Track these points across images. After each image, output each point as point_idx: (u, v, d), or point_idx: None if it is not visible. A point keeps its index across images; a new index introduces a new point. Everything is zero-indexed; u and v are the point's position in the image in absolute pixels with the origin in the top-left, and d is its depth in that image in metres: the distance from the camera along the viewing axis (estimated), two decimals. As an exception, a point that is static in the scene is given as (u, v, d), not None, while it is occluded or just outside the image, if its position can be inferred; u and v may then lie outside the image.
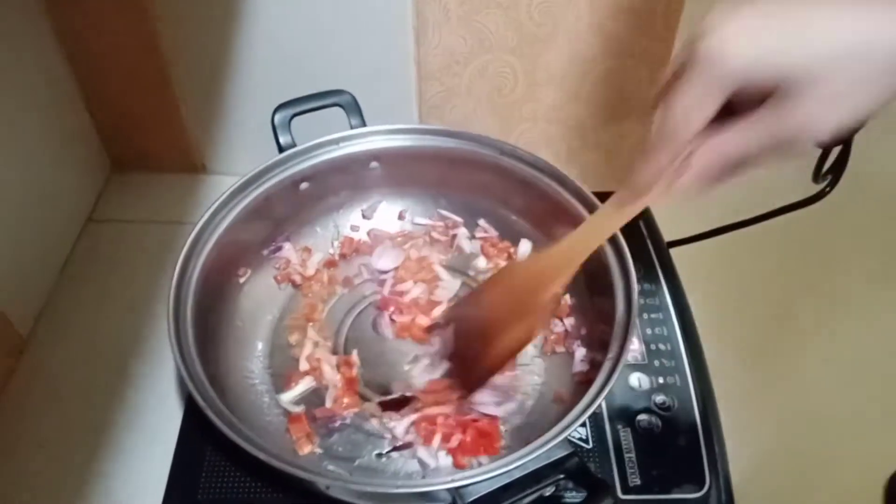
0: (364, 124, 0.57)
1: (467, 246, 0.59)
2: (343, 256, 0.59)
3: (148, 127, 0.69)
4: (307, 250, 0.58)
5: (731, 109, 0.33)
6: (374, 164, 0.58)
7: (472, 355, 0.47)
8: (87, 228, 0.67)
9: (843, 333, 0.75)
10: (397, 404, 0.49)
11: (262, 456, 0.38)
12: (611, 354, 0.44)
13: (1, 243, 0.55)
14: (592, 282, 0.50)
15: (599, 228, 0.43)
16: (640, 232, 0.63)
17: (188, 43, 0.62)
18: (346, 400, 0.49)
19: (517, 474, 0.39)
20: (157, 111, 0.67)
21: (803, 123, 0.31)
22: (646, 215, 0.64)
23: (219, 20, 0.60)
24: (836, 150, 0.56)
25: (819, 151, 0.57)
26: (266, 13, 0.60)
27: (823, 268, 0.72)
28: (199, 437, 0.49)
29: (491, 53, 0.63)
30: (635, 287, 0.46)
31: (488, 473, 0.38)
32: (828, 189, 0.58)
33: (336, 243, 0.60)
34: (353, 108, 0.57)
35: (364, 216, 0.61)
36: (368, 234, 0.60)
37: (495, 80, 0.65)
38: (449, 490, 0.38)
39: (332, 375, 0.50)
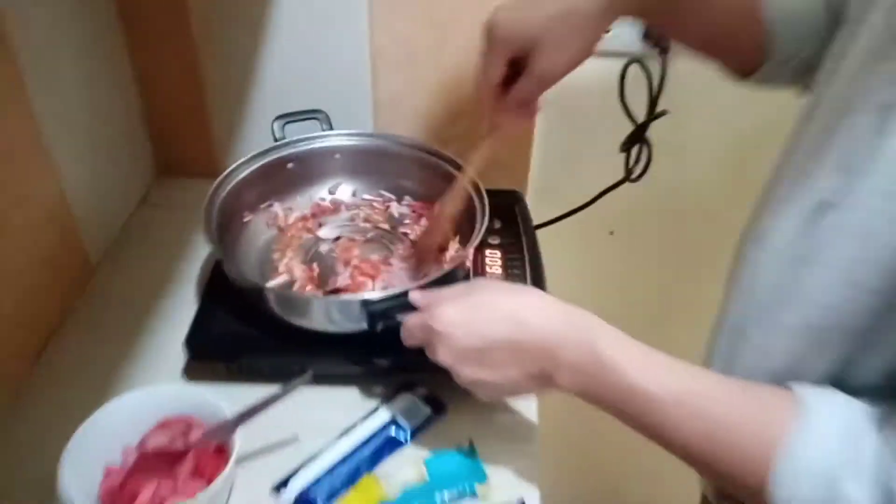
0: (332, 129, 0.89)
1: (396, 211, 0.90)
2: (313, 216, 0.89)
3: (186, 137, 1.01)
4: (289, 209, 0.88)
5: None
6: (337, 155, 0.89)
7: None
8: (139, 209, 0.98)
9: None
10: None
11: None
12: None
13: (82, 195, 0.85)
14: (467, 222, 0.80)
15: (466, 173, 0.73)
16: (515, 217, 0.92)
17: (220, 78, 0.95)
18: (308, 287, 0.78)
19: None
20: (193, 125, 0.99)
21: (545, 67, 0.58)
22: (520, 203, 0.94)
23: (240, 62, 0.93)
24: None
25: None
26: (273, 60, 0.93)
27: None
28: (220, 290, 0.77)
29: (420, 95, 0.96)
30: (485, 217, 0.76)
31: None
32: (636, 177, 0.90)
33: (308, 207, 0.90)
34: (326, 120, 0.89)
35: (329, 191, 0.91)
36: (330, 202, 0.91)
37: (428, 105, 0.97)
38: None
39: (299, 273, 0.79)
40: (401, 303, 0.65)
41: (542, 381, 0.55)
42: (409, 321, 0.61)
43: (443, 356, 0.57)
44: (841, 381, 0.47)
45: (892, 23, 0.45)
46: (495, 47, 0.60)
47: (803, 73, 0.62)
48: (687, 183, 0.99)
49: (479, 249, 0.82)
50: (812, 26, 0.60)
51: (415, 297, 0.62)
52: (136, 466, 0.63)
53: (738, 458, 0.46)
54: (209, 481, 0.59)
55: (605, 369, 0.50)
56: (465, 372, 0.57)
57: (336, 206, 0.90)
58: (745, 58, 0.64)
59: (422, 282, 0.67)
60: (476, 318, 0.56)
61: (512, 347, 0.54)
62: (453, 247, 0.80)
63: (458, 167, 0.81)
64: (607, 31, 0.65)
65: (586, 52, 0.59)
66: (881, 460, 0.40)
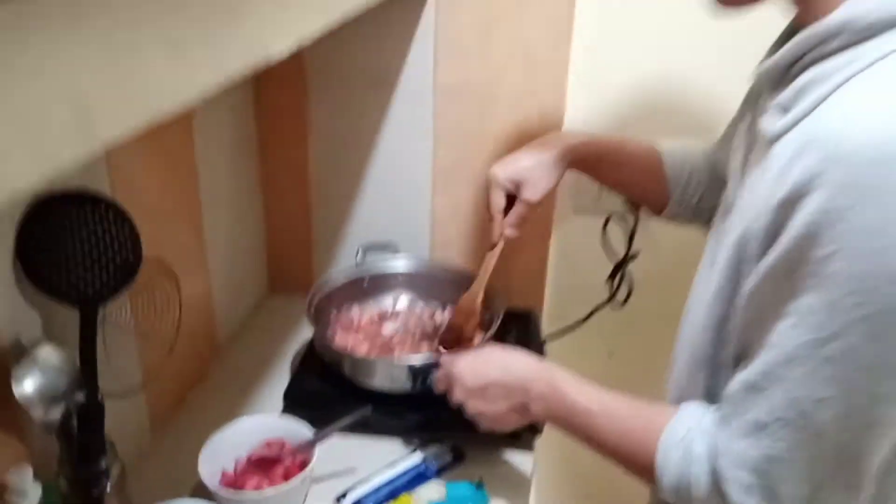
0: (397, 252, 1.23)
1: (438, 318, 1.21)
2: (380, 318, 1.21)
3: (293, 260, 1.37)
4: (363, 311, 1.21)
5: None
6: (401, 276, 1.22)
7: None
8: (254, 312, 1.33)
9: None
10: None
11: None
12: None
13: (219, 294, 1.20)
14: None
15: (486, 268, 1.03)
16: (529, 331, 1.21)
17: (323, 218, 1.32)
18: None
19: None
20: (300, 252, 1.36)
21: (528, 196, 0.91)
22: (534, 321, 1.23)
23: (340, 206, 1.31)
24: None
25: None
26: (363, 205, 1.30)
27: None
28: (308, 362, 1.08)
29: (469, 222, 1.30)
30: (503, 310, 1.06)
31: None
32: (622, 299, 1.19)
33: (377, 311, 1.22)
34: (395, 248, 1.23)
35: (393, 300, 1.24)
36: (391, 311, 1.23)
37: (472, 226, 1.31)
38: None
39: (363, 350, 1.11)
40: (433, 364, 0.95)
41: (523, 411, 0.82)
42: (439, 372, 0.91)
43: (457, 394, 0.86)
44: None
45: (727, 197, 0.73)
46: (497, 187, 0.94)
47: (700, 214, 0.92)
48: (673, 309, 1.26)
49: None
50: (699, 181, 0.92)
51: (443, 358, 0.92)
52: (245, 469, 0.92)
53: (638, 445, 0.69)
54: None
55: (557, 394, 0.77)
56: (471, 405, 0.85)
57: (396, 313, 1.23)
58: (656, 200, 0.95)
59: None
60: (479, 366, 0.85)
61: (502, 385, 0.82)
62: (478, 336, 1.10)
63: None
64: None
65: (552, 185, 0.93)
66: (712, 425, 0.64)
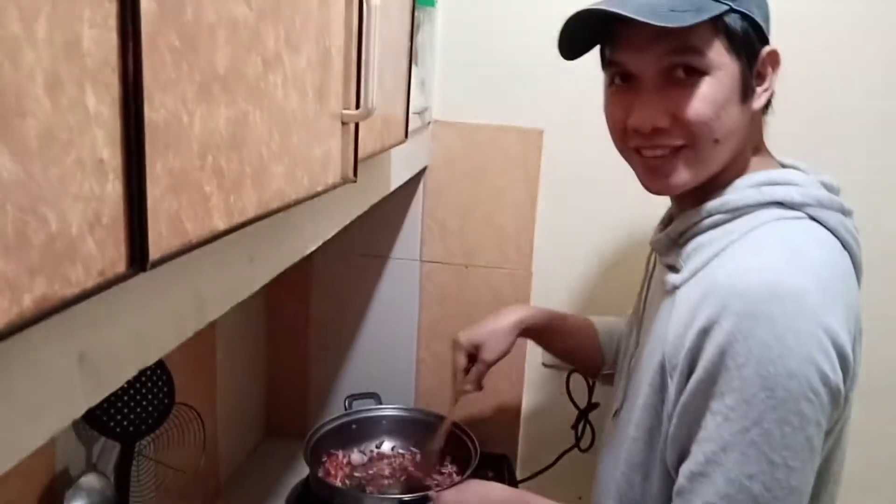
0: (381, 403, 1.39)
1: (419, 458, 1.35)
2: (368, 462, 1.35)
3: (288, 408, 1.52)
4: (348, 454, 1.35)
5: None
6: (384, 422, 1.37)
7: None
8: (251, 456, 1.46)
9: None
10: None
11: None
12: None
13: (223, 440, 1.34)
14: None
15: (446, 423, 1.19)
16: (504, 472, 1.35)
17: (317, 375, 1.49)
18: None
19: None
20: (295, 403, 1.51)
21: (486, 358, 1.09)
22: (509, 464, 1.38)
23: (332, 364, 1.48)
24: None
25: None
26: (350, 365, 1.47)
27: None
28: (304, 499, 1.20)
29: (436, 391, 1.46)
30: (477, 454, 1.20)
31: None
32: (585, 449, 1.34)
33: (365, 456, 1.36)
34: (378, 398, 1.39)
35: (376, 445, 1.38)
36: (376, 453, 1.37)
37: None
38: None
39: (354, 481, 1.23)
40: (420, 499, 1.08)
41: None
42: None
43: None
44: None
45: (630, 344, 0.93)
46: (459, 349, 1.12)
47: None
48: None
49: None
50: (625, 349, 1.10)
51: (431, 493, 1.05)
52: None
53: None
54: None
55: None
56: None
57: (381, 456, 1.36)
58: (591, 366, 1.14)
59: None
60: (461, 497, 0.98)
61: None
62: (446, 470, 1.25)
63: (462, 430, 1.28)
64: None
65: (506, 350, 1.10)
66: None
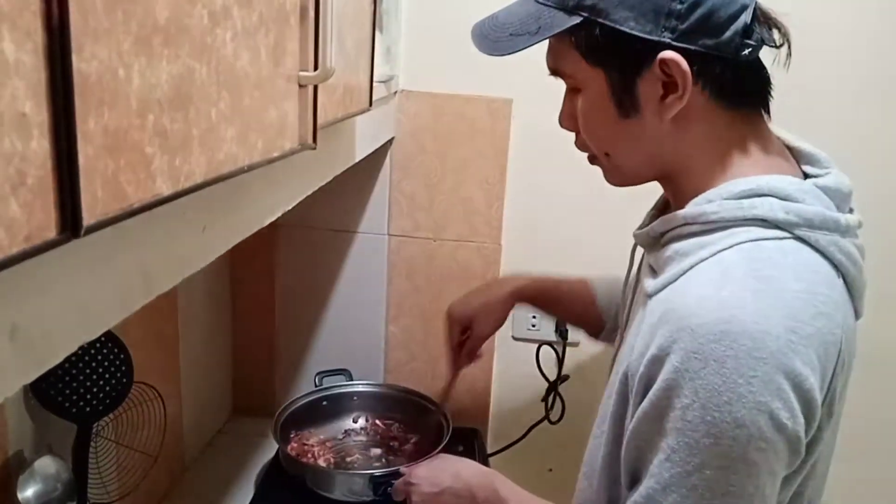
0: (353, 380, 1.37)
1: (393, 431, 1.33)
2: (336, 438, 1.33)
3: (255, 387, 1.49)
4: (319, 431, 1.33)
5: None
6: (355, 398, 1.35)
7: None
8: (218, 434, 1.44)
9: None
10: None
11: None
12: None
13: (189, 417, 1.32)
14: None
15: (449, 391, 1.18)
16: (474, 446, 1.35)
17: (285, 349, 1.46)
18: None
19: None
20: (262, 380, 1.48)
21: (480, 331, 1.08)
22: (479, 438, 1.37)
23: (300, 340, 1.45)
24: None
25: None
26: (321, 340, 1.45)
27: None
28: (272, 479, 1.18)
29: (416, 359, 1.45)
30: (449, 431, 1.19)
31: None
32: (555, 421, 1.33)
33: (338, 432, 1.34)
34: (349, 375, 1.37)
35: (353, 420, 1.36)
36: (348, 429, 1.35)
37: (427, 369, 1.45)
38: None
39: (323, 461, 1.22)
40: (392, 474, 1.07)
41: None
42: (397, 483, 1.02)
43: (415, 499, 0.96)
44: None
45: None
46: (453, 323, 1.11)
47: None
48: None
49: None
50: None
51: (402, 468, 1.03)
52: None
53: None
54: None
55: (499, 501, 0.88)
56: None
57: (352, 432, 1.35)
58: (593, 326, 1.11)
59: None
60: (434, 474, 0.96)
61: (453, 493, 0.93)
62: (413, 439, 1.26)
63: (433, 403, 1.27)
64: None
65: (501, 322, 1.10)
66: None
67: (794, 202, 0.66)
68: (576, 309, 1.13)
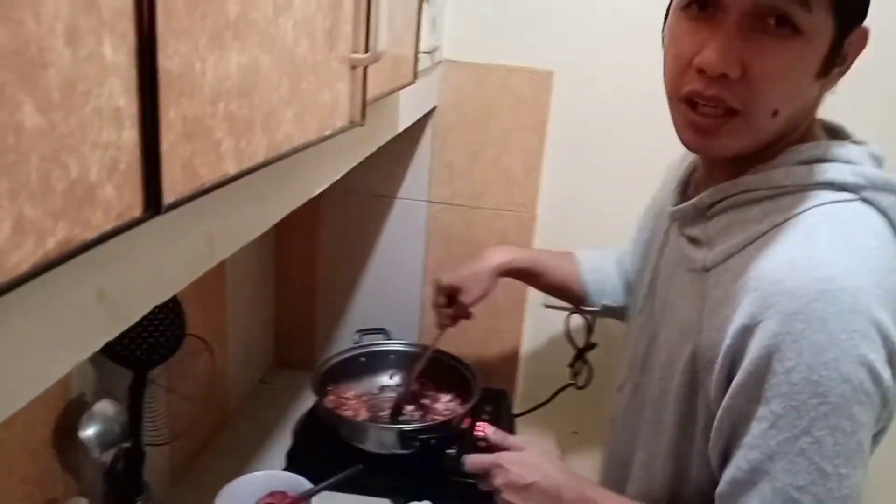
0: (390, 339, 1.42)
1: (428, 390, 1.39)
2: (371, 394, 1.39)
3: (297, 340, 1.56)
4: (356, 386, 1.39)
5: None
6: (392, 356, 1.41)
7: None
8: (260, 384, 1.51)
9: None
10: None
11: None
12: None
13: (234, 363, 1.39)
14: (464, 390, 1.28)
15: (431, 346, 1.24)
16: (500, 407, 1.40)
17: (326, 304, 1.52)
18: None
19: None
20: (304, 334, 1.55)
21: (465, 299, 1.12)
22: (506, 399, 1.42)
23: (340, 297, 1.51)
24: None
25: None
26: (360, 295, 1.50)
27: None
28: (309, 427, 1.25)
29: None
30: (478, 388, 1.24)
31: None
32: (581, 386, 1.38)
33: (374, 387, 1.40)
34: (387, 334, 1.43)
35: (389, 377, 1.42)
36: (383, 385, 1.41)
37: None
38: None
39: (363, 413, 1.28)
40: (421, 429, 1.12)
41: None
42: (483, 459, 0.88)
43: (498, 481, 0.85)
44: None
45: (638, 302, 0.92)
46: (439, 289, 1.15)
47: (615, 313, 1.13)
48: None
49: (474, 418, 1.29)
50: (613, 286, 1.12)
51: (496, 436, 0.91)
52: (252, 517, 1.08)
53: None
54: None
55: (587, 499, 0.80)
56: (509, 496, 0.84)
57: (388, 388, 1.41)
58: (576, 298, 1.15)
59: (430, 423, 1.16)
60: (526, 467, 0.84)
61: (540, 490, 0.82)
62: (444, 398, 1.31)
63: (464, 364, 1.32)
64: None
65: (485, 291, 1.13)
66: None
67: (858, 165, 0.69)
68: (560, 282, 1.16)
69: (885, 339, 0.62)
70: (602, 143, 1.36)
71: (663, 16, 0.75)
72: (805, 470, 0.62)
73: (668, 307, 0.81)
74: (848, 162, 0.69)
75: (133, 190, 0.34)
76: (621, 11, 1.26)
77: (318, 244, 1.49)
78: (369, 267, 1.50)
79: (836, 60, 0.67)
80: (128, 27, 0.32)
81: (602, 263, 1.15)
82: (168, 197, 0.37)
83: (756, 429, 0.64)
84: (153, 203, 0.36)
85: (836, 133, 0.76)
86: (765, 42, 0.64)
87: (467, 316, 1.19)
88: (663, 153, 0.91)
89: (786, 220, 0.67)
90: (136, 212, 0.35)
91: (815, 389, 0.61)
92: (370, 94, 0.69)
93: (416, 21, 0.91)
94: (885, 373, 0.62)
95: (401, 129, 1.02)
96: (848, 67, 0.69)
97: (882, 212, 0.68)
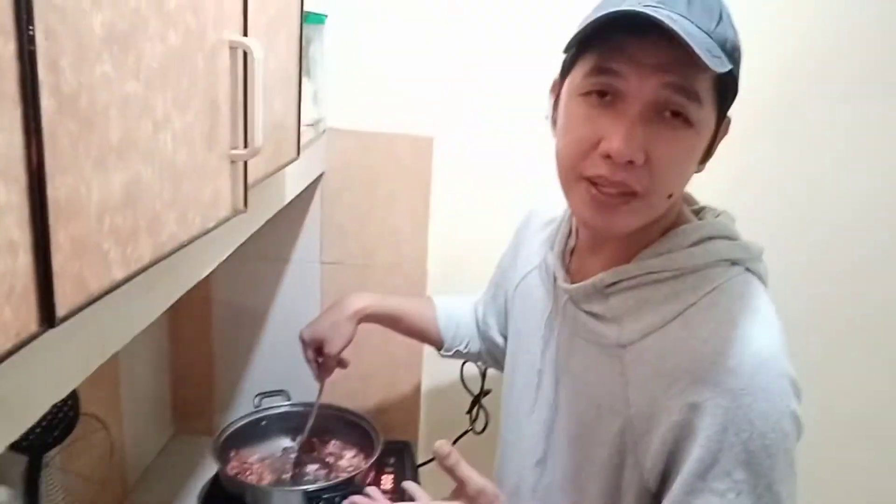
0: (290, 399, 1.45)
1: (330, 449, 1.42)
2: (274, 456, 1.41)
3: (196, 408, 1.56)
4: (257, 450, 1.40)
5: None
6: (293, 417, 1.43)
7: None
8: (161, 455, 1.50)
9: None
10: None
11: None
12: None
13: (131, 442, 1.37)
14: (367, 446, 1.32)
15: (317, 399, 1.28)
16: (403, 458, 1.44)
17: (224, 374, 1.53)
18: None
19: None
20: (202, 402, 1.55)
21: (330, 350, 1.17)
22: (409, 450, 1.47)
23: (239, 364, 1.52)
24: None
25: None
26: (258, 368, 1.52)
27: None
28: (213, 495, 1.26)
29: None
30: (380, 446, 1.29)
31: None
32: (480, 431, 1.44)
33: (276, 450, 1.42)
34: (287, 396, 1.45)
35: (291, 439, 1.44)
36: (286, 448, 1.43)
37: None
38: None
39: (267, 477, 1.30)
40: (325, 488, 1.16)
41: None
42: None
43: None
44: None
45: (522, 362, 0.97)
46: (307, 345, 1.20)
47: (470, 356, 1.21)
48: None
49: (378, 471, 1.34)
50: (465, 332, 1.21)
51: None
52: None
53: None
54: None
55: None
56: None
57: (290, 451, 1.43)
58: (434, 343, 1.23)
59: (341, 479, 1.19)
60: None
61: None
62: (348, 454, 1.34)
63: (365, 419, 1.37)
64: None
65: (348, 338, 1.18)
66: None
67: (738, 240, 0.78)
68: (417, 327, 1.23)
69: (795, 385, 0.70)
70: (483, 200, 1.45)
71: (551, 101, 0.81)
72: None
73: (570, 378, 0.84)
74: (731, 238, 0.77)
75: (29, 309, 0.39)
76: (491, 80, 1.38)
77: (210, 311, 1.51)
78: (266, 330, 1.52)
79: (714, 147, 0.76)
80: (19, 170, 0.37)
81: (456, 311, 1.23)
82: (61, 311, 0.41)
83: (722, 501, 0.68)
84: (48, 318, 0.40)
85: (687, 201, 0.84)
86: (664, 132, 0.69)
87: (341, 365, 1.23)
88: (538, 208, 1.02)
89: (699, 300, 0.73)
90: (32, 327, 0.39)
91: (768, 451, 0.67)
92: (252, 178, 0.74)
93: (297, 100, 0.98)
94: (799, 411, 0.70)
95: (287, 200, 1.07)
96: (713, 152, 0.77)
97: (759, 276, 0.77)
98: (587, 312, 0.81)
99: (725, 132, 0.77)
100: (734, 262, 0.76)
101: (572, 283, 0.84)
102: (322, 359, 1.21)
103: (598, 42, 0.70)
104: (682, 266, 0.75)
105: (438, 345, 1.23)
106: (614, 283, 0.78)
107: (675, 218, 0.80)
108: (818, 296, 1.48)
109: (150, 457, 1.47)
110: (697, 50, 0.62)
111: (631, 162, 0.69)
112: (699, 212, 0.84)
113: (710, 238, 0.77)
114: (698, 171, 0.77)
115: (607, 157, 0.69)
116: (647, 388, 0.73)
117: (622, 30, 0.66)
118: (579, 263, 0.87)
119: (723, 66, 0.65)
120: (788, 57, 1.37)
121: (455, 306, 1.23)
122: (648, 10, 0.63)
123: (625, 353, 0.76)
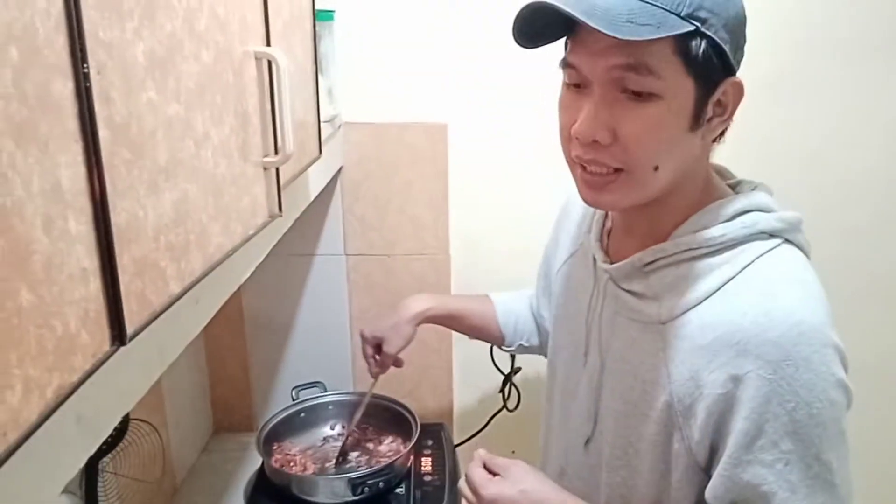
0: (326, 390, 1.48)
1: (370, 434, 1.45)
2: (315, 446, 1.44)
3: (235, 406, 1.59)
4: (299, 441, 1.44)
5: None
6: (330, 407, 1.47)
7: None
8: (203, 453, 1.54)
9: None
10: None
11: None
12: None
13: (175, 442, 1.41)
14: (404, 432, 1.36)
15: (368, 392, 1.32)
16: (441, 439, 1.47)
17: (260, 368, 1.56)
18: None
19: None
20: (240, 399, 1.58)
21: (388, 350, 1.19)
22: (445, 431, 1.50)
23: (272, 359, 1.56)
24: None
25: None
26: (292, 357, 1.55)
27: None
28: (259, 488, 1.29)
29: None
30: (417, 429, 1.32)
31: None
32: (512, 409, 1.47)
33: (316, 440, 1.46)
34: (323, 386, 1.49)
35: (330, 428, 1.47)
36: (326, 437, 1.46)
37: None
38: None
39: (311, 467, 1.33)
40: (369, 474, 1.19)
41: None
42: (472, 481, 0.86)
43: (491, 490, 0.83)
44: None
45: (566, 346, 0.99)
46: (366, 340, 1.23)
47: (530, 349, 1.23)
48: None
49: (417, 454, 1.37)
50: (525, 326, 1.22)
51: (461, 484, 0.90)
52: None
53: None
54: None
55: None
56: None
57: (330, 439, 1.46)
58: (496, 339, 1.24)
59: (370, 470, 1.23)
60: (514, 480, 0.84)
61: (529, 498, 0.82)
62: (387, 440, 1.37)
63: (401, 406, 1.40)
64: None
65: (407, 340, 1.20)
66: None
67: (774, 212, 0.78)
68: (478, 326, 1.23)
69: (841, 354, 0.71)
70: (500, 184, 1.47)
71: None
72: (821, 489, 0.70)
73: (614, 357, 0.84)
74: (768, 210, 0.77)
75: (102, 330, 0.41)
76: (502, 62, 1.38)
77: (242, 309, 1.54)
78: (297, 324, 1.55)
79: (704, 112, 0.72)
80: (85, 202, 0.39)
81: (515, 305, 1.23)
82: (130, 329, 0.43)
83: (770, 473, 0.70)
84: (119, 337, 0.43)
85: (722, 175, 0.85)
86: (627, 107, 0.70)
87: (396, 364, 1.26)
88: (554, 194, 1.03)
89: (737, 274, 0.74)
90: (106, 347, 0.42)
91: (815, 420, 0.69)
92: (283, 181, 0.76)
93: (315, 99, 0.99)
94: (847, 379, 0.72)
95: (313, 197, 1.09)
96: (730, 116, 0.75)
97: (799, 247, 0.78)
98: (628, 291, 0.82)
99: (738, 94, 0.74)
100: (772, 235, 0.76)
101: (612, 263, 0.85)
102: (380, 356, 1.23)
103: (570, 37, 0.74)
104: (719, 241, 0.75)
105: (500, 341, 1.23)
106: (652, 262, 0.79)
107: (708, 193, 0.80)
108: (835, 257, 1.49)
109: (194, 456, 1.51)
110: (599, 25, 0.63)
111: (597, 142, 0.72)
112: (735, 186, 0.84)
113: (746, 211, 0.77)
114: (709, 138, 0.76)
115: (576, 139, 0.74)
116: (690, 363, 0.74)
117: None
118: (617, 244, 0.88)
119: (640, 34, 0.64)
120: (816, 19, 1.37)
121: (512, 301, 1.24)
122: (556, 2, 0.66)
123: (666, 329, 0.77)
